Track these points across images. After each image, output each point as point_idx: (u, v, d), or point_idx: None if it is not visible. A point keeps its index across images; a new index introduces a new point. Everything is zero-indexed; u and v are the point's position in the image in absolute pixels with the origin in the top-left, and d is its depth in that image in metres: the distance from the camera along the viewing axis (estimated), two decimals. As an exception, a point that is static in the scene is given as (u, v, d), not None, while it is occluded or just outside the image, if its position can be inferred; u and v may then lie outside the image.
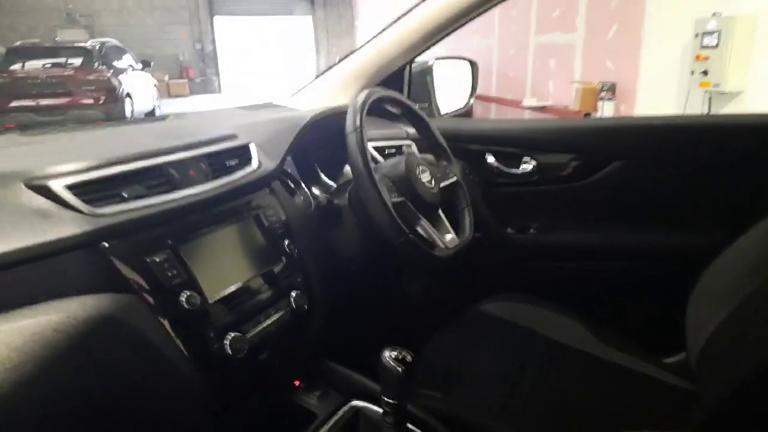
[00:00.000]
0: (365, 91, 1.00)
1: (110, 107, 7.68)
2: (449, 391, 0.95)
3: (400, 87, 1.42)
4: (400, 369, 0.72)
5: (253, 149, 0.93)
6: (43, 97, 7.40)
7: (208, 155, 0.83)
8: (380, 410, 0.86)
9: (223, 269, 0.78)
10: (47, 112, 7.38)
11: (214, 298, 0.74)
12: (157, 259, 0.69)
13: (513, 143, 1.34)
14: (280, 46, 16.35)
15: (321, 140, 1.18)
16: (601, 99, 4.89)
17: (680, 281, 0.98)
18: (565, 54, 5.64)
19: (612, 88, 4.85)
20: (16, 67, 7.68)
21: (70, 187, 0.65)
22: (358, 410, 0.89)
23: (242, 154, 0.91)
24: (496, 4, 1.16)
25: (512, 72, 6.88)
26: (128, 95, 8.15)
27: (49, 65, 7.75)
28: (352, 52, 1.38)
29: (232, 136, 0.92)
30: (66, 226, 0.62)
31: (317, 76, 1.45)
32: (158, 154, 0.76)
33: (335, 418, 0.87)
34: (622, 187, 1.25)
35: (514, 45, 6.74)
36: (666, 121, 1.24)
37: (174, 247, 0.72)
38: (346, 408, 0.89)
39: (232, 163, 0.87)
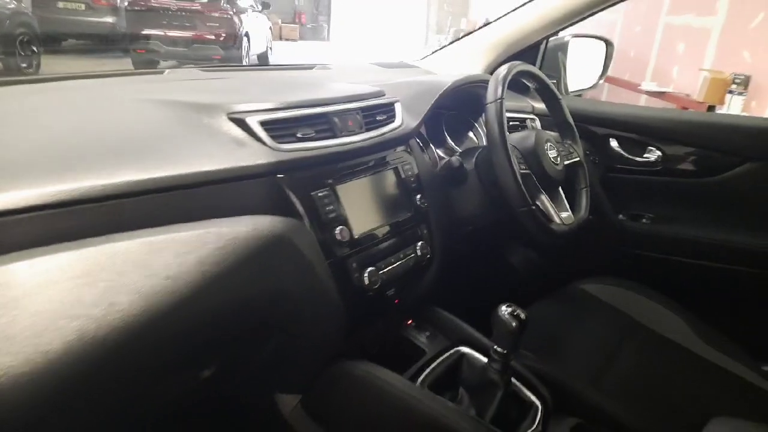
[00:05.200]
0: (508, 64, 1.05)
1: (229, 45, 8.09)
2: (546, 354, 1.02)
3: (533, 61, 1.44)
4: (514, 324, 0.80)
5: (398, 107, 1.02)
6: (171, 29, 7.92)
7: (363, 108, 0.93)
8: (483, 358, 0.95)
9: (367, 212, 0.89)
10: (173, 43, 7.92)
11: (358, 235, 0.85)
12: (320, 194, 0.80)
13: (640, 130, 1.33)
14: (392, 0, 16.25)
15: (449, 105, 1.25)
16: (731, 92, 4.53)
17: None
18: (697, 39, 5.23)
19: (745, 82, 4.46)
20: (151, -5, 8.23)
21: (262, 123, 0.76)
22: (462, 355, 0.98)
23: (388, 111, 1.00)
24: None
25: (634, 52, 6.48)
26: (246, 35, 8.51)
27: (180, -3, 8.23)
28: (490, 22, 1.41)
29: (381, 93, 1.01)
30: (256, 156, 0.74)
31: (451, 42, 1.51)
32: (326, 103, 0.86)
33: (442, 357, 0.97)
34: (751, 189, 1.23)
35: (640, 23, 6.32)
36: None
37: (332, 186, 0.83)
38: (452, 351, 0.98)
39: (382, 117, 0.97)
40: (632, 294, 1.22)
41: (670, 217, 1.34)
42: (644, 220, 1.36)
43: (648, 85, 5.72)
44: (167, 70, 1.06)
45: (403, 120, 1.01)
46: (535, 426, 0.86)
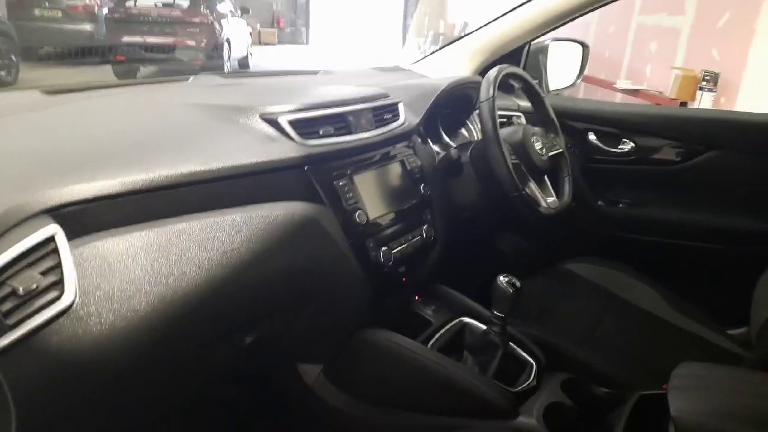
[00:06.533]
0: (497, 67, 1.18)
1: (210, 51, 8.14)
2: (537, 322, 1.15)
3: (517, 64, 1.57)
4: (510, 290, 0.92)
5: (401, 107, 1.14)
6: (151, 35, 7.94)
7: (373, 108, 1.05)
8: (483, 326, 1.08)
9: (380, 199, 1.01)
10: (153, 50, 7.93)
11: (373, 219, 0.97)
12: (341, 183, 0.92)
13: (615, 124, 1.48)
14: (369, 3, 16.38)
15: (443, 104, 1.37)
16: (701, 89, 4.74)
17: (754, 264, 1.11)
18: (668, 38, 5.45)
19: (714, 79, 4.67)
20: (130, 3, 8.22)
21: (290, 122, 0.88)
22: (465, 324, 1.11)
23: (393, 110, 1.12)
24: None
25: (608, 51, 6.69)
26: (227, 41, 8.57)
27: (159, 4, 8.26)
28: (478, 28, 1.54)
29: (386, 95, 1.13)
30: (288, 150, 0.85)
31: (442, 47, 1.63)
32: (343, 104, 0.98)
33: (447, 327, 1.09)
34: (714, 174, 1.38)
35: (614, 23, 6.54)
36: (765, 119, 1.35)
37: (351, 176, 0.95)
38: (455, 321, 1.11)
39: (388, 116, 1.09)
40: (611, 271, 1.36)
41: (644, 202, 1.49)
42: (621, 205, 1.51)
43: (622, 84, 5.93)
44: (191, 77, 1.17)
45: (406, 118, 1.13)
46: (530, 380, 0.99)
